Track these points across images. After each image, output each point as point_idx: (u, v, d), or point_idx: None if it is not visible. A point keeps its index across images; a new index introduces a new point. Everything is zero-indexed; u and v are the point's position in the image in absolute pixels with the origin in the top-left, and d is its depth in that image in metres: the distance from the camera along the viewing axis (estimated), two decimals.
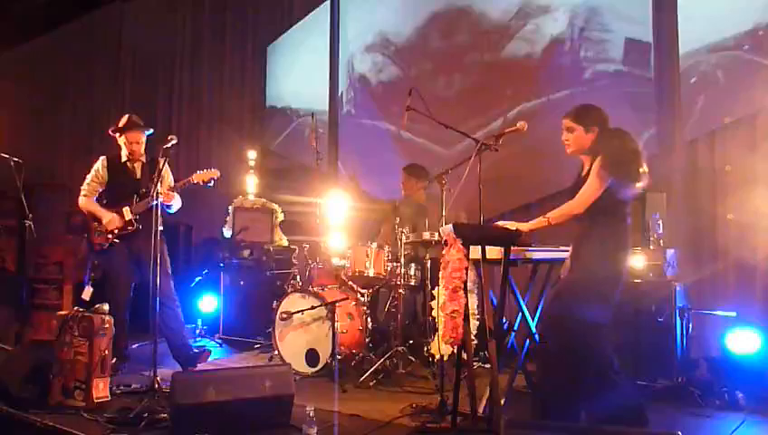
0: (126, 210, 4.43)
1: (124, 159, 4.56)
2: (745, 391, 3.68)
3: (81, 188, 4.57)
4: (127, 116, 4.59)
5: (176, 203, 4.48)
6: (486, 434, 3.08)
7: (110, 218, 4.43)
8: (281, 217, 6.20)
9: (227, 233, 6.10)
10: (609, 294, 3.06)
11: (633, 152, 3.09)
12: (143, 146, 4.57)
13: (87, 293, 4.50)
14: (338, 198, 5.41)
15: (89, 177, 4.58)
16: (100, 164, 4.57)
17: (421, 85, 4.74)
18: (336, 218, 5.36)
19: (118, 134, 4.55)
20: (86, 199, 4.55)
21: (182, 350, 4.47)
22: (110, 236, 4.43)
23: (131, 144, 4.51)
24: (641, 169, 3.08)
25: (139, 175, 4.56)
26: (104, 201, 4.56)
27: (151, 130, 4.63)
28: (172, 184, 4.54)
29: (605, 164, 3.03)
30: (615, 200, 3.06)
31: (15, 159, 4.72)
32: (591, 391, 3.02)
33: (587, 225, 3.09)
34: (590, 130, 3.15)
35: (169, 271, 4.47)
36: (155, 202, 3.94)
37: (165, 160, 3.96)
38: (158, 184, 3.96)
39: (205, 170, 4.43)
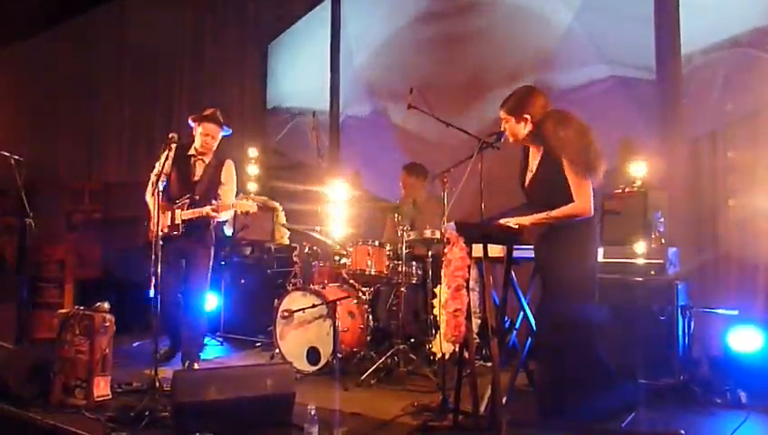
0: (178, 213, 4.37)
1: (191, 151, 4.50)
2: (747, 390, 3.67)
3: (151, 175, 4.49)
4: (214, 108, 4.55)
5: (223, 216, 4.47)
6: (488, 433, 3.07)
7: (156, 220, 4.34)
8: (282, 217, 6.18)
9: (228, 231, 6.09)
10: (592, 289, 3.06)
11: (586, 137, 3.05)
12: (215, 143, 4.51)
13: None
14: (340, 190, 5.39)
15: (156, 166, 4.40)
16: (165, 154, 4.07)
17: (424, 81, 4.74)
18: (338, 215, 5.35)
19: (196, 123, 4.49)
20: (148, 194, 4.47)
21: (183, 349, 4.49)
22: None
23: (205, 136, 4.45)
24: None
25: (197, 177, 4.49)
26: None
27: (229, 132, 4.58)
28: (231, 197, 4.51)
29: (576, 157, 3.00)
30: None
31: (16, 157, 4.71)
32: (584, 389, 3.02)
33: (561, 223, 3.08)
34: (522, 119, 3.15)
35: (208, 274, 4.50)
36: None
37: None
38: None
39: (245, 201, 4.36)
